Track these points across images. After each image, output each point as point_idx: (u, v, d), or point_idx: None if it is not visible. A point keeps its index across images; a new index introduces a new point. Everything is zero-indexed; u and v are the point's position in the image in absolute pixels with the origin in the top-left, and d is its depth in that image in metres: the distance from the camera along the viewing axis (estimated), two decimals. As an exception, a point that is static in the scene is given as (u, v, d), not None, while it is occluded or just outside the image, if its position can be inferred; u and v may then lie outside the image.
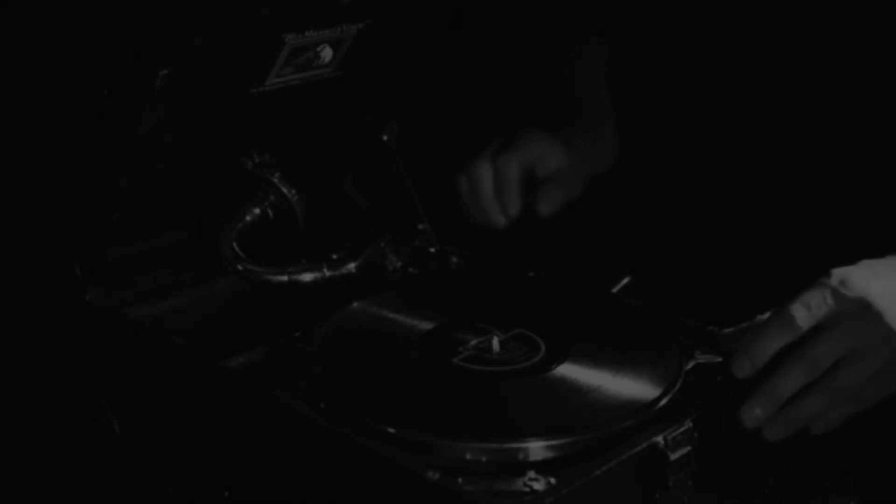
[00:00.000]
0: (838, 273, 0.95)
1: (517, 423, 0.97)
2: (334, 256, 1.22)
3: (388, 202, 1.32)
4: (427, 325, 1.10)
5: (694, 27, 1.30)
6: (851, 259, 0.98)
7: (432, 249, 1.26)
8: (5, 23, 1.20)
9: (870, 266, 0.96)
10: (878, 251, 1.00)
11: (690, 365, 1.02)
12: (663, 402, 0.97)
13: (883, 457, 1.07)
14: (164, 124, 1.07)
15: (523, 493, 0.89)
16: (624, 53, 1.40)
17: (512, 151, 1.24)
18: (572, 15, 1.44)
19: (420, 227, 1.27)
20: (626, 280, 1.17)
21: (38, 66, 1.18)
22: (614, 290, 1.17)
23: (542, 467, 0.91)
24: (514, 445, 0.92)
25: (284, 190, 1.17)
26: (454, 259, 1.25)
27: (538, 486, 0.90)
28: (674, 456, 0.92)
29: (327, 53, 1.14)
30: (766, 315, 0.99)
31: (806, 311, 0.93)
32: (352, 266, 1.23)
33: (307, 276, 1.20)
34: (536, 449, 0.92)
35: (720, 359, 1.02)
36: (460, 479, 0.90)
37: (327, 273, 1.21)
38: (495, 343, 1.06)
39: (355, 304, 1.15)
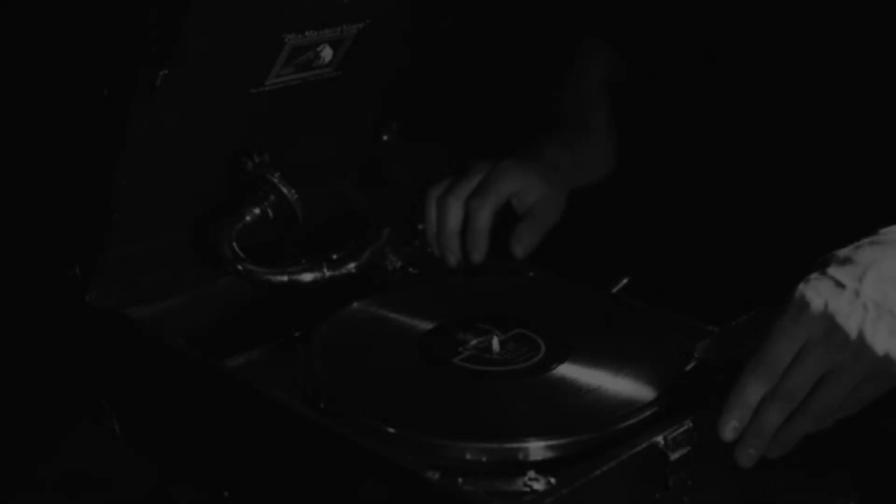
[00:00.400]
0: (800, 293, 0.93)
1: (517, 423, 0.97)
2: (334, 256, 1.22)
3: (388, 202, 1.32)
4: (427, 325, 1.11)
5: (693, 27, 1.30)
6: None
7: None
8: (5, 23, 1.20)
9: (834, 274, 0.95)
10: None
11: (690, 365, 1.02)
12: (663, 402, 0.97)
13: (883, 457, 1.07)
14: (164, 124, 1.07)
15: (523, 493, 0.89)
16: (622, 55, 1.40)
17: (486, 197, 1.22)
18: (572, 17, 1.44)
19: (420, 227, 1.27)
20: (625, 280, 1.17)
21: (38, 66, 1.18)
22: (614, 290, 1.17)
23: (542, 467, 0.91)
24: (514, 445, 0.92)
25: (284, 190, 1.17)
26: (454, 259, 1.25)
27: (538, 486, 0.90)
28: (674, 456, 0.92)
29: (327, 53, 1.14)
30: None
31: (778, 350, 0.92)
32: (352, 266, 1.23)
33: (307, 276, 1.20)
34: (536, 449, 0.92)
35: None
36: (460, 479, 0.90)
37: (327, 273, 1.21)
38: (495, 343, 1.06)
39: (355, 304, 1.15)
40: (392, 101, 1.29)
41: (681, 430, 0.93)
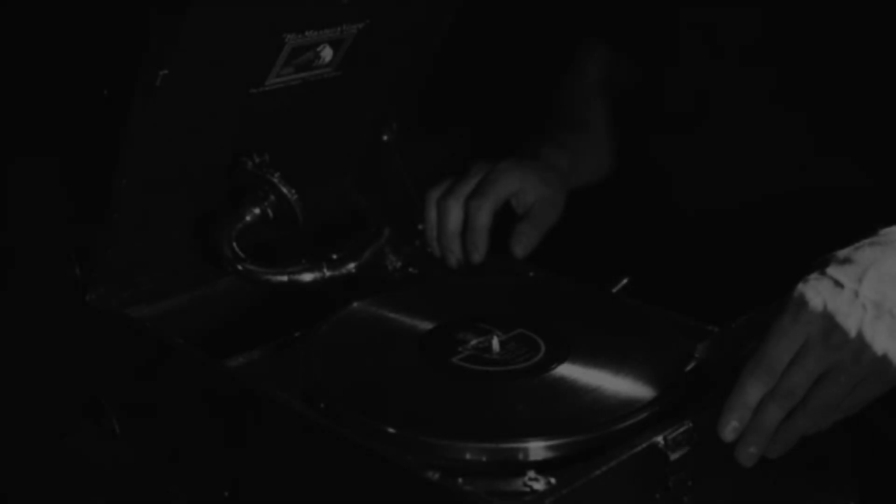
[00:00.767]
0: (799, 293, 0.94)
1: (517, 423, 0.97)
2: (334, 256, 1.22)
3: (388, 202, 1.32)
4: (427, 325, 1.10)
5: (693, 26, 1.30)
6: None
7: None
8: (5, 23, 1.20)
9: (833, 274, 0.95)
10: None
11: (690, 365, 1.02)
12: (663, 402, 0.97)
13: (882, 458, 1.07)
14: (164, 124, 1.07)
15: (523, 493, 0.89)
16: (622, 55, 1.40)
17: (485, 197, 1.23)
18: (572, 17, 1.44)
19: (420, 227, 1.27)
20: (625, 280, 1.17)
21: (38, 66, 1.18)
22: (614, 290, 1.17)
23: (542, 467, 0.91)
24: (514, 445, 0.92)
25: (284, 190, 1.17)
26: (454, 259, 1.25)
27: (538, 486, 0.90)
28: (674, 456, 0.92)
29: (327, 53, 1.14)
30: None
31: (777, 350, 0.92)
32: (352, 266, 1.23)
33: (307, 276, 1.20)
34: (536, 449, 0.92)
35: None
36: (460, 479, 0.90)
37: (327, 273, 1.21)
38: (495, 343, 1.06)
39: (355, 304, 1.15)
40: (392, 101, 1.29)
41: (681, 430, 0.93)
